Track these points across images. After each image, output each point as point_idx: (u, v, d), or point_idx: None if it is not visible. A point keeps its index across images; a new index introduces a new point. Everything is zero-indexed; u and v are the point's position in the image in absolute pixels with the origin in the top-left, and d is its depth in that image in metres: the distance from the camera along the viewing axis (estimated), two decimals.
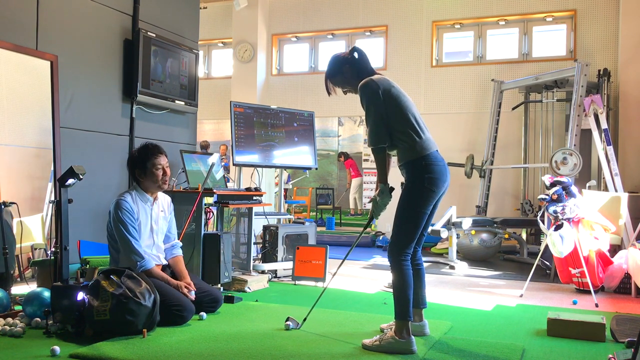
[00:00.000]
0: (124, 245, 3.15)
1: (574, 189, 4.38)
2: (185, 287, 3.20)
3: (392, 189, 2.77)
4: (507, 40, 8.13)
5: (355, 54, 2.84)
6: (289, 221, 5.53)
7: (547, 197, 4.36)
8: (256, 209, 4.90)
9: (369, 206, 2.98)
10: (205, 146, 9.42)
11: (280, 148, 5.26)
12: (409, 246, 2.70)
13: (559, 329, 3.02)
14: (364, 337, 2.78)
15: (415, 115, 2.74)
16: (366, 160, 10.57)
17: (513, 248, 6.95)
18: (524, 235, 6.63)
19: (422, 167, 2.66)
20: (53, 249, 3.37)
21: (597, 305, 3.85)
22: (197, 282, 3.41)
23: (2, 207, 3.47)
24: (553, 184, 4.37)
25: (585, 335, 2.94)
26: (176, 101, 5.05)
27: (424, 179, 2.65)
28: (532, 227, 6.81)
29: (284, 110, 5.39)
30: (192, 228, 4.04)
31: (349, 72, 2.84)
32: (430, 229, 2.90)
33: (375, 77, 2.77)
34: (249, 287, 4.20)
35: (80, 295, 2.84)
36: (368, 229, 7.96)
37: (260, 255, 5.02)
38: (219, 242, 3.93)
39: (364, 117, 2.86)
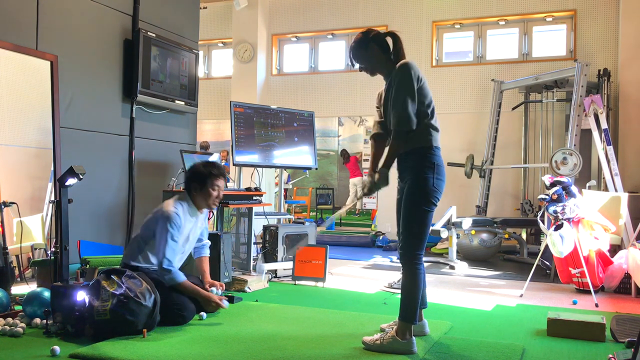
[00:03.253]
0: (160, 255, 3.13)
1: (574, 189, 4.38)
2: (214, 292, 3.23)
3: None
4: (507, 40, 8.13)
5: (389, 39, 2.75)
6: (289, 221, 5.53)
7: (547, 197, 4.36)
8: (256, 209, 4.90)
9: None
10: (205, 147, 9.42)
11: (280, 148, 5.26)
12: (421, 248, 2.67)
13: (559, 329, 3.02)
14: (364, 337, 2.78)
15: (435, 111, 2.74)
16: (366, 160, 10.57)
17: (513, 248, 6.95)
18: (524, 235, 6.63)
19: (433, 166, 2.63)
20: (53, 249, 3.37)
21: (597, 305, 3.85)
22: (197, 282, 3.41)
23: (2, 207, 3.47)
24: (553, 184, 4.37)
25: (585, 335, 2.94)
26: (176, 101, 5.05)
27: (432, 179, 2.62)
28: (532, 227, 6.81)
29: (284, 110, 5.39)
30: None
31: (374, 50, 2.74)
32: (430, 229, 2.89)
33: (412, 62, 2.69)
34: (249, 287, 4.20)
35: (81, 295, 2.84)
36: (369, 229, 7.98)
37: (260, 255, 5.02)
38: (219, 242, 3.93)
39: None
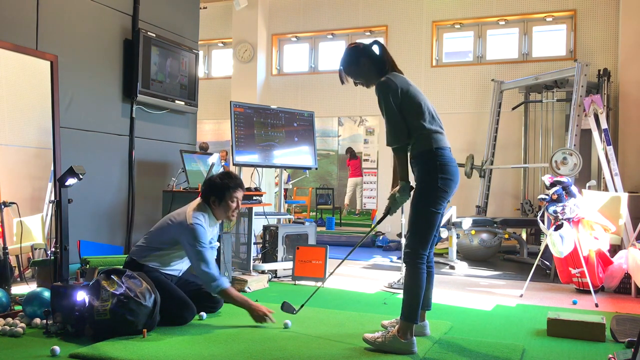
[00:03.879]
0: (201, 265, 3.09)
1: (574, 189, 4.38)
2: (267, 311, 3.14)
3: (412, 187, 2.74)
4: (507, 40, 8.13)
5: (376, 48, 2.79)
6: (289, 221, 5.53)
7: (547, 197, 4.36)
8: (256, 209, 4.90)
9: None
10: (205, 148, 9.41)
11: (280, 148, 5.26)
12: (425, 248, 2.67)
13: (559, 329, 3.02)
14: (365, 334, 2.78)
15: (432, 113, 2.73)
16: (366, 160, 10.57)
17: (513, 248, 6.95)
18: (524, 235, 6.62)
19: (436, 166, 2.63)
20: (53, 249, 3.37)
21: (597, 305, 3.85)
22: (197, 281, 3.41)
23: (2, 207, 3.47)
24: (553, 184, 4.37)
25: (585, 335, 2.94)
26: (176, 101, 5.05)
27: (437, 179, 2.62)
28: (532, 227, 6.81)
29: (284, 110, 5.39)
30: None
31: (366, 65, 2.78)
32: (435, 229, 2.88)
33: (393, 75, 2.72)
34: (249, 287, 4.20)
35: (80, 295, 2.84)
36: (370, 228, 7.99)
37: (260, 255, 5.02)
38: (219, 242, 3.93)
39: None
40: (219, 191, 3.24)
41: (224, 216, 3.31)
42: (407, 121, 2.67)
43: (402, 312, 2.65)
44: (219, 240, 3.93)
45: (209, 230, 3.24)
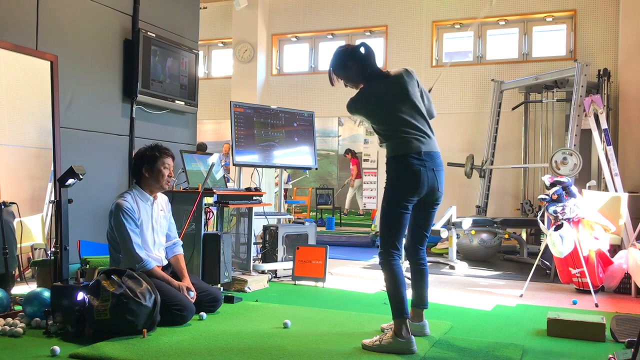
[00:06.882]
0: (124, 246, 3.15)
1: (574, 189, 4.38)
2: (187, 288, 3.20)
3: None
4: (507, 40, 8.13)
5: (362, 49, 2.85)
6: (289, 221, 5.53)
7: (547, 197, 4.36)
8: (256, 209, 4.90)
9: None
10: (203, 148, 9.40)
11: (280, 148, 5.26)
12: (394, 245, 2.72)
13: (559, 329, 3.02)
14: (364, 337, 2.78)
15: (404, 119, 2.75)
16: (366, 160, 10.57)
17: (513, 248, 6.95)
18: (524, 235, 6.62)
19: (393, 169, 2.73)
20: (53, 249, 3.37)
21: (597, 305, 3.85)
22: (197, 281, 3.41)
23: (2, 207, 3.47)
24: (553, 184, 4.37)
25: (585, 335, 2.94)
26: (176, 101, 5.05)
27: (392, 178, 2.73)
28: (532, 227, 6.81)
29: (284, 110, 5.39)
30: (192, 228, 4.03)
31: (352, 68, 2.86)
32: (405, 228, 2.92)
33: (366, 86, 2.84)
34: (249, 287, 4.20)
35: (80, 295, 2.84)
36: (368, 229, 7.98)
37: (260, 255, 5.02)
38: (219, 242, 3.92)
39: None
40: (150, 158, 3.27)
41: (157, 185, 3.30)
42: (377, 128, 2.82)
43: (392, 311, 2.68)
44: (217, 240, 3.92)
45: (143, 207, 3.25)
